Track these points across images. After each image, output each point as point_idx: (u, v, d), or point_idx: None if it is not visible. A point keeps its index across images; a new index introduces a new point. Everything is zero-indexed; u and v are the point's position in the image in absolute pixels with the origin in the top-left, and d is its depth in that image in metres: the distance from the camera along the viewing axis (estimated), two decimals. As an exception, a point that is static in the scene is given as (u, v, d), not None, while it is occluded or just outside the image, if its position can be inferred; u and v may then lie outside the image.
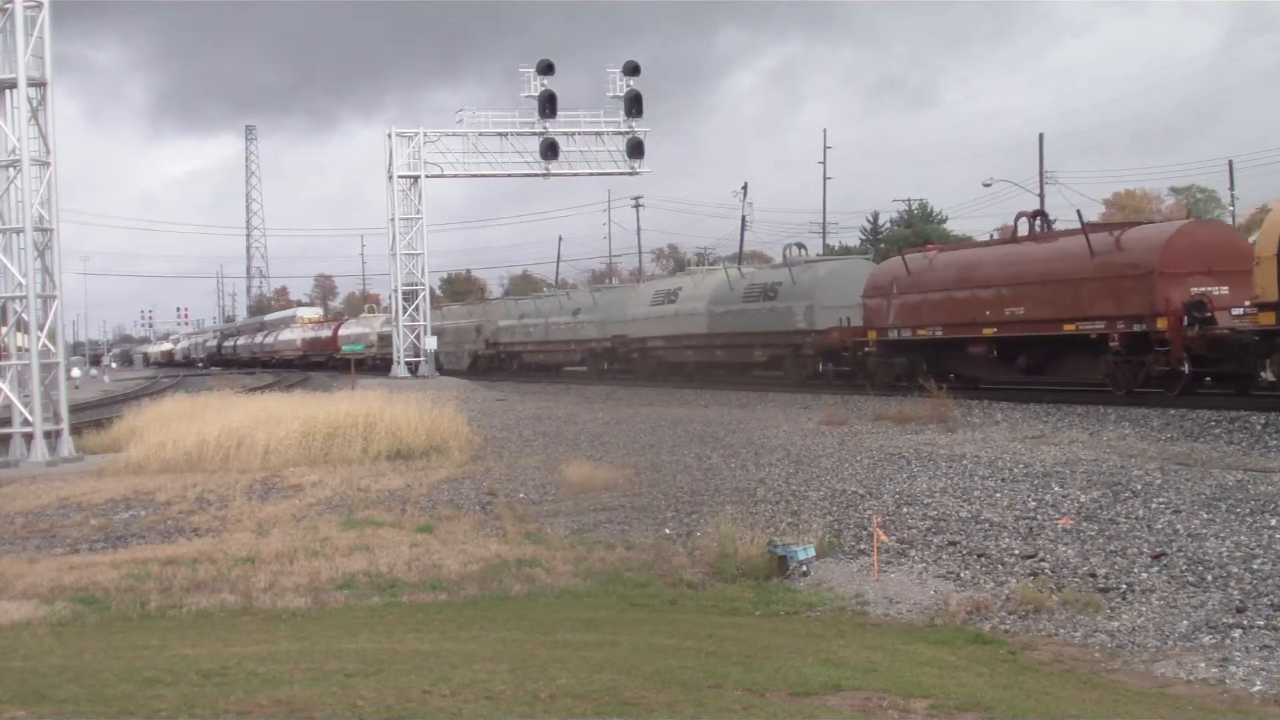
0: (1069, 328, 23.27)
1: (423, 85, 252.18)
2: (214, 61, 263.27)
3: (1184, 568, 11.05)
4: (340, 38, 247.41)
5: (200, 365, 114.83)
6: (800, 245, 37.12)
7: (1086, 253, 23.04)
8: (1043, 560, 11.97)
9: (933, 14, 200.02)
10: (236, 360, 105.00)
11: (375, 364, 60.95)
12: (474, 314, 62.92)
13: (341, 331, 76.26)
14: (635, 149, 50.92)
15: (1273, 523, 11.78)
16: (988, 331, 25.36)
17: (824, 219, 73.71)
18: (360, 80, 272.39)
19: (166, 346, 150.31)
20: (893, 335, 28.24)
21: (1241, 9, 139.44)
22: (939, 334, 26.85)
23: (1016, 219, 27.57)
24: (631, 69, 50.23)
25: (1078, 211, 27.39)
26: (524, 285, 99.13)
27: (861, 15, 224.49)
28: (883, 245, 63.64)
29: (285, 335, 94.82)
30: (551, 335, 51.51)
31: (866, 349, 29.28)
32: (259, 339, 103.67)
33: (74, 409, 29.42)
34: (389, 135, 51.33)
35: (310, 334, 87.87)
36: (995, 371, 26.30)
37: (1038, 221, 27.21)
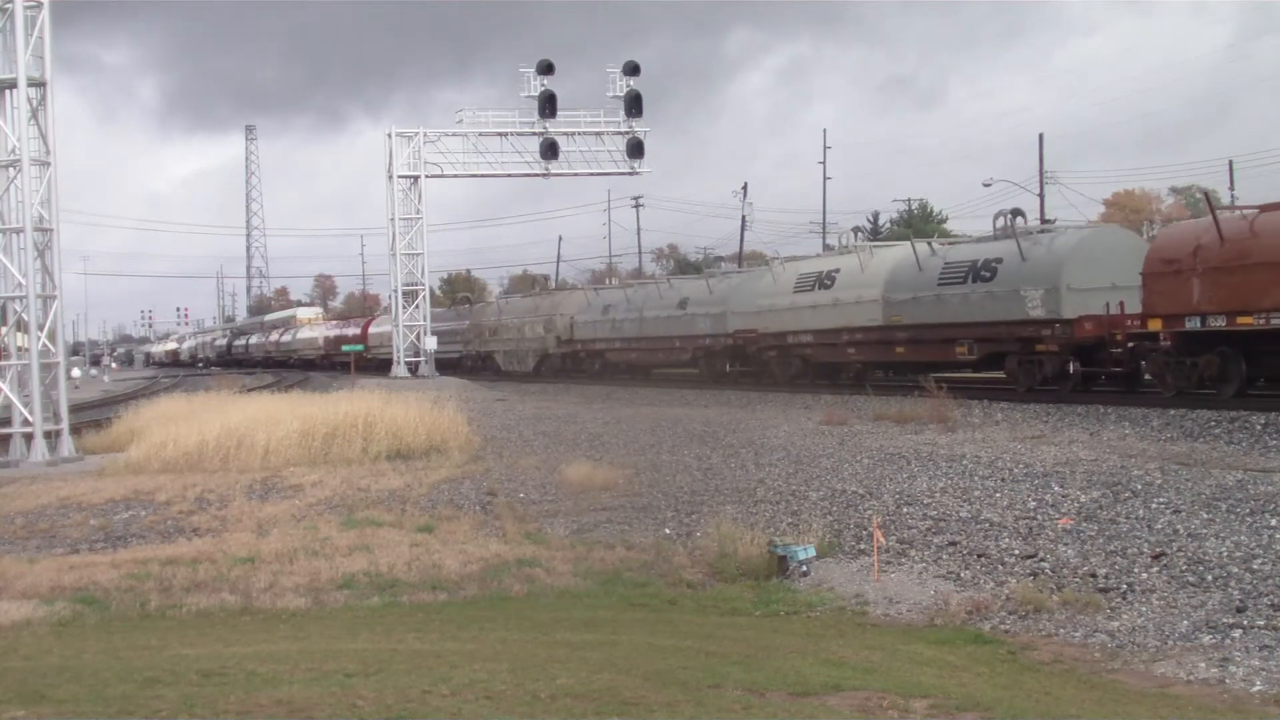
0: None
1: (432, 85, 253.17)
2: (224, 61, 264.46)
3: (1184, 568, 11.05)
4: (350, 37, 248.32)
5: (202, 366, 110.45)
6: (1017, 212, 28.87)
7: None
8: (1043, 560, 11.97)
9: (942, 14, 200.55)
10: (249, 360, 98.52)
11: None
12: (541, 307, 53.48)
13: (372, 329, 69.46)
14: (635, 149, 50.94)
15: (1273, 523, 11.78)
16: None
17: (824, 218, 73.88)
18: (370, 80, 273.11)
19: (171, 346, 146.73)
20: (1193, 324, 20.67)
21: (1249, 8, 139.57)
22: (1278, 322, 19.55)
23: None
24: (631, 69, 50.28)
25: None
26: (525, 285, 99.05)
27: (871, 15, 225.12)
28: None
29: (305, 333, 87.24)
30: (647, 330, 42.97)
31: (1149, 343, 22.00)
32: (274, 337, 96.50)
33: (74, 409, 29.42)
34: (389, 135, 51.38)
35: (334, 331, 79.74)
36: None
37: None
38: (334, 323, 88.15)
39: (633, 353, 44.85)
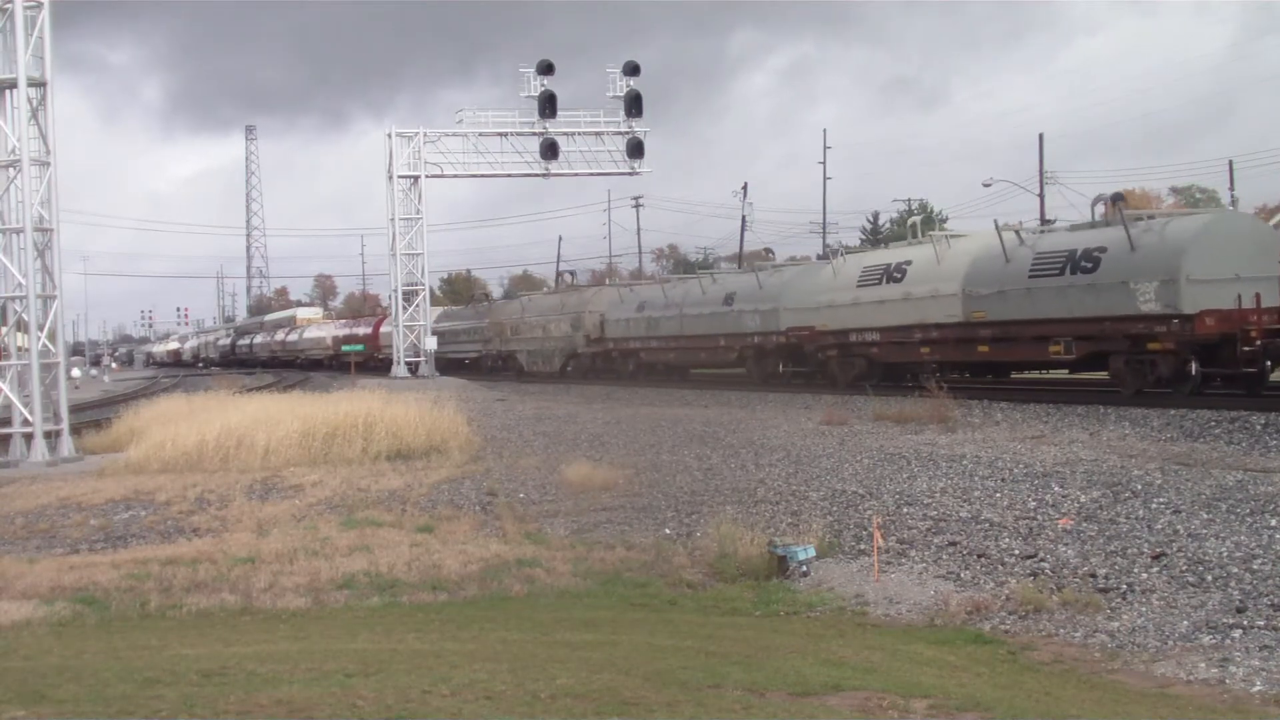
0: None
1: (436, 85, 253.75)
2: (228, 61, 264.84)
3: (1184, 568, 11.05)
4: (354, 38, 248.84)
5: (203, 366, 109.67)
6: (1119, 196, 25.83)
7: None
8: (1043, 560, 11.97)
9: (945, 14, 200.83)
10: (253, 360, 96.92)
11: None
12: (568, 304, 50.71)
13: (384, 328, 66.43)
14: (635, 149, 50.97)
15: (1273, 523, 11.78)
16: None
17: (824, 218, 73.81)
18: (373, 80, 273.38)
19: (173, 346, 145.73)
20: None
21: (1252, 8, 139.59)
22: None
23: None
24: (631, 69, 50.31)
25: None
26: (525, 285, 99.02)
27: (875, 15, 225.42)
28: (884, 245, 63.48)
29: (313, 333, 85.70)
30: (688, 329, 40.21)
31: None
32: (279, 336, 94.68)
33: (74, 409, 29.42)
34: (389, 135, 51.45)
35: (344, 331, 78.04)
36: None
37: None
38: (343, 322, 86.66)
39: (671, 352, 42.01)
